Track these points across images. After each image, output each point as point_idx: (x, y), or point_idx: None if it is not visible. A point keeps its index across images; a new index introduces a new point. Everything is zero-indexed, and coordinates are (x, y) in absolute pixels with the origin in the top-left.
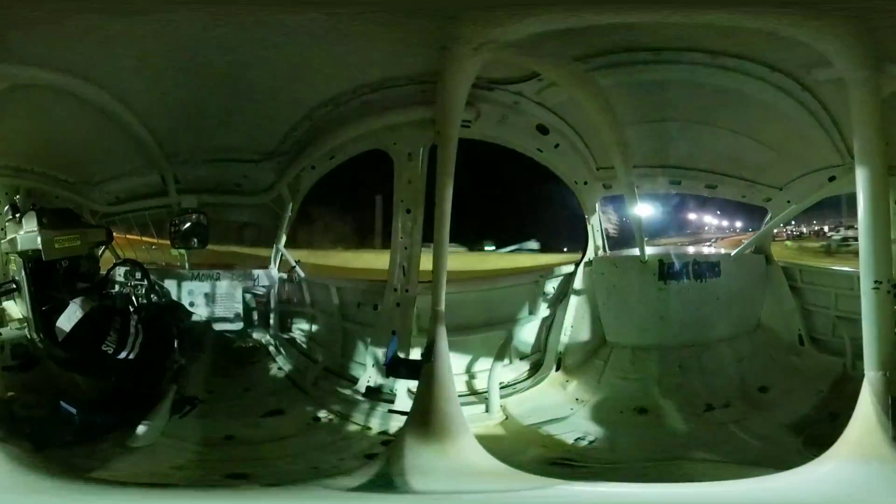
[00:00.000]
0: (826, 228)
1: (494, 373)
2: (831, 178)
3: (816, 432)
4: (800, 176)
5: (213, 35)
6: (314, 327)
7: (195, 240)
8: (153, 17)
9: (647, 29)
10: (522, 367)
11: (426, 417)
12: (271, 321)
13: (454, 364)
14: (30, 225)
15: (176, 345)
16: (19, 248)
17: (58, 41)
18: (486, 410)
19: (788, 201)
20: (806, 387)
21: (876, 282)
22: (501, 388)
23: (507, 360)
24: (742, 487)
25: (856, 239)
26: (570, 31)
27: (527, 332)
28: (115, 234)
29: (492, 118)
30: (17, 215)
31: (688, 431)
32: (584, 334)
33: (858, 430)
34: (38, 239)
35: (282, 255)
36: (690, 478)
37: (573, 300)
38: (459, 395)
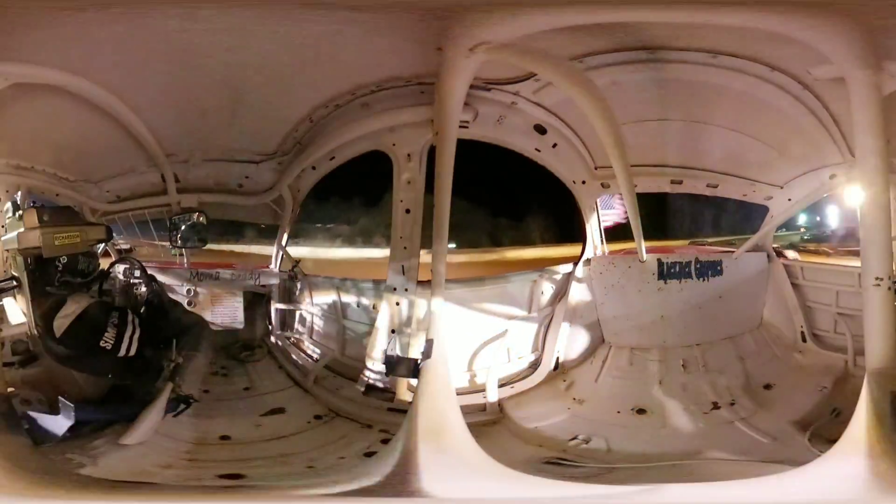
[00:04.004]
0: None
1: (492, 372)
2: (832, 176)
3: (822, 428)
4: (801, 174)
5: (213, 35)
6: (314, 326)
7: (195, 239)
8: (154, 16)
9: (645, 28)
10: (520, 366)
11: (425, 416)
12: (271, 320)
13: (452, 363)
14: (30, 222)
15: (174, 343)
16: (19, 245)
17: (58, 39)
18: (484, 409)
19: (790, 199)
20: (809, 383)
21: (877, 278)
22: (499, 387)
23: (505, 359)
24: (744, 488)
25: None
26: (567, 30)
27: (525, 331)
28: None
29: (489, 118)
30: (18, 213)
31: (692, 430)
32: (583, 334)
33: (860, 427)
34: (39, 236)
35: (282, 255)
36: (690, 478)
37: (572, 299)
38: (457, 394)
